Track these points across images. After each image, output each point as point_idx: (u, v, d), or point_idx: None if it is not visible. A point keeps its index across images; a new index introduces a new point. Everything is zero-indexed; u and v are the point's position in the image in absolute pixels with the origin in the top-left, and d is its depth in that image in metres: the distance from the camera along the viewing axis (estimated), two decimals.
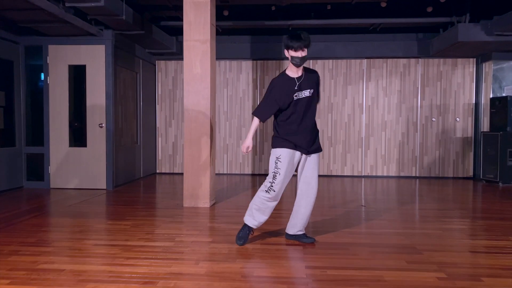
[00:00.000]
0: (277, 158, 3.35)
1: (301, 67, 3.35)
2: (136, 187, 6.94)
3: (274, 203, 3.43)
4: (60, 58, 6.51)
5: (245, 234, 3.47)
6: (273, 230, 4.00)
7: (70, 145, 6.59)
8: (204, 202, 5.13)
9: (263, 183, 3.43)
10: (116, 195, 6.03)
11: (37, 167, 6.67)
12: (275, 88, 3.36)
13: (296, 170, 3.50)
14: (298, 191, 3.50)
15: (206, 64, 5.09)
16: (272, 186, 3.34)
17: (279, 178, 3.33)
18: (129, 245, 3.45)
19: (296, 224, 3.53)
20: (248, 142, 3.44)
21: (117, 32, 6.58)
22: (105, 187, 6.54)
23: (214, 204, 5.31)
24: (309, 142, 3.39)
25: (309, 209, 3.49)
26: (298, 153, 3.40)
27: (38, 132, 6.65)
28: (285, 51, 3.33)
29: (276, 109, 3.37)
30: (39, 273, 2.80)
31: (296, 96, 3.33)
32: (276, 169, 3.34)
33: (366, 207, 5.21)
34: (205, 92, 5.10)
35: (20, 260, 3.05)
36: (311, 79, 3.40)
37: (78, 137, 6.69)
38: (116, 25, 6.19)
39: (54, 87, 6.53)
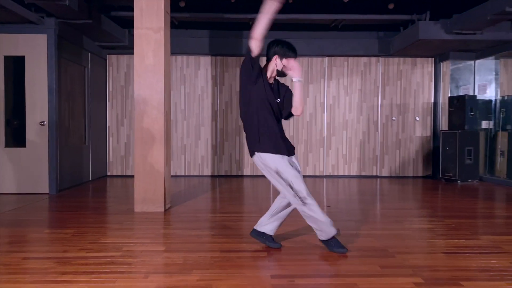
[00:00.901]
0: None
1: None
2: (83, 191, 6.34)
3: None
4: None
5: (337, 242, 3.09)
6: (233, 234, 3.65)
7: (7, 145, 5.91)
8: (158, 207, 4.68)
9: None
10: (59, 200, 5.44)
11: None
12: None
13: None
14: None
15: (160, 54, 4.66)
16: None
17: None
18: (67, 257, 2.97)
19: (272, 223, 3.22)
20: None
21: (61, 21, 5.98)
22: (47, 192, 5.91)
23: (169, 208, 4.88)
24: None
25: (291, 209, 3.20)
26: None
27: None
28: (277, 58, 3.06)
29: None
30: None
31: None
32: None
33: (330, 208, 4.97)
34: (158, 85, 4.66)
35: None
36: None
37: (16, 136, 6.01)
38: (59, 12, 5.61)
39: None
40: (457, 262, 2.92)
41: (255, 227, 3.28)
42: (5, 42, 5.83)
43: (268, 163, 2.96)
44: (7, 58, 5.89)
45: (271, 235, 3.24)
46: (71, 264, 2.83)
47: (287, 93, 3.14)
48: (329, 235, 3.02)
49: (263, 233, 3.23)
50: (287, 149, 3.04)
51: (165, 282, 2.52)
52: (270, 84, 3.09)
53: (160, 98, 4.66)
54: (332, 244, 3.06)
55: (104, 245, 3.31)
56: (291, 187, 2.91)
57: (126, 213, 4.58)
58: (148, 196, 4.66)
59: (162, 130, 4.67)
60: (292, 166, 3.01)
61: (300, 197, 2.92)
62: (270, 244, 3.21)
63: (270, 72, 3.10)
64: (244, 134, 7.69)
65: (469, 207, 5.10)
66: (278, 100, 3.07)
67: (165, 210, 4.73)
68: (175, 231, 3.81)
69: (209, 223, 4.15)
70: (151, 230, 3.85)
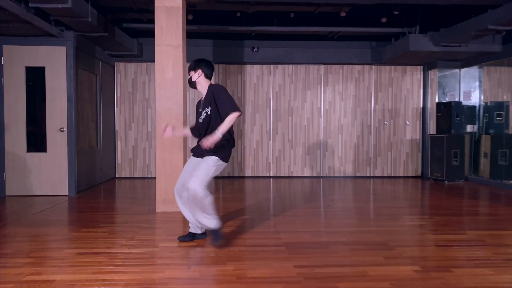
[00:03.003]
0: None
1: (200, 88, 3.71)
2: (99, 192, 6.76)
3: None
4: (17, 59, 6.19)
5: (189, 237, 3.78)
6: (251, 231, 4.14)
7: (28, 151, 6.29)
8: (177, 207, 5.12)
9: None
10: (80, 202, 5.86)
11: None
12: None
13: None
14: None
15: (179, 69, 5.12)
16: None
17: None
18: (114, 252, 3.43)
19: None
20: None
21: (79, 34, 6.38)
22: (66, 193, 6.31)
23: None
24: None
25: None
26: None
27: None
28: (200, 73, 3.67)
29: None
30: (29, 285, 2.72)
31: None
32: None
33: (332, 207, 5.49)
34: (177, 97, 5.12)
35: (3, 273, 2.94)
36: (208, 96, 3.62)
37: (37, 142, 6.39)
38: (79, 26, 6.01)
39: (9, 89, 6.20)
40: (448, 253, 3.46)
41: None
42: (27, 54, 6.20)
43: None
44: (29, 69, 6.26)
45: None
46: (120, 258, 3.28)
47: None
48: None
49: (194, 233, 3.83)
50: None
51: (207, 272, 3.00)
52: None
53: (179, 108, 5.12)
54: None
55: (141, 242, 3.77)
56: None
57: (148, 213, 5.03)
58: (168, 197, 5.12)
59: (181, 137, 5.12)
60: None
61: None
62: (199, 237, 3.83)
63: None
64: (244, 137, 8.11)
65: (456, 205, 5.68)
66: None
67: None
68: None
69: (226, 221, 4.62)
70: (177, 228, 4.31)
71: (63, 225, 4.46)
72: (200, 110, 3.65)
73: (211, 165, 3.50)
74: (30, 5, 5.02)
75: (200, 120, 3.62)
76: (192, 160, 3.68)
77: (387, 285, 2.75)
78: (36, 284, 2.73)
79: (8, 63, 6.18)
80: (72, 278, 2.85)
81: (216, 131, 3.41)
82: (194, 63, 3.67)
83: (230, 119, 3.41)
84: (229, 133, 3.55)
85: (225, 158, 3.58)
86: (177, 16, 5.09)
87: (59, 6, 4.96)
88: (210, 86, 3.63)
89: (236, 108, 3.44)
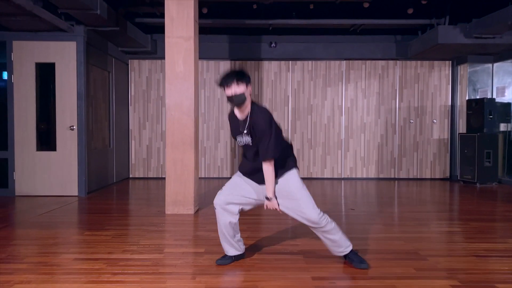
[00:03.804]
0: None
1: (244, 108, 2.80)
2: (110, 193, 6.53)
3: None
4: (26, 55, 6.02)
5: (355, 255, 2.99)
6: (264, 236, 3.78)
7: (38, 149, 6.10)
8: (188, 209, 4.83)
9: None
10: (90, 202, 5.62)
11: None
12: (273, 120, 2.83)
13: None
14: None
15: (190, 62, 4.81)
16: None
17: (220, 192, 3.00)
18: (114, 259, 3.13)
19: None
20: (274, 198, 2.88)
21: (90, 28, 6.17)
22: (76, 194, 6.09)
23: (197, 210, 5.03)
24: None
25: None
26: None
27: (0, 136, 6.12)
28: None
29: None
30: None
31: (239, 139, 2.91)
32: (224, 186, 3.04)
33: (355, 211, 5.08)
34: (188, 92, 4.82)
35: None
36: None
37: (46, 140, 6.20)
38: (89, 20, 5.80)
39: (19, 86, 6.03)
40: (490, 265, 3.02)
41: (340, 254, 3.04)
42: (37, 49, 6.02)
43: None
44: (38, 65, 6.08)
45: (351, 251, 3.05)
46: (120, 265, 2.98)
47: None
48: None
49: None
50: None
51: (213, 283, 2.66)
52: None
53: (190, 104, 4.82)
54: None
55: (145, 247, 3.46)
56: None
57: (158, 215, 4.74)
58: (178, 198, 4.82)
59: (192, 135, 4.82)
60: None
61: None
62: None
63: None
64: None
65: (492, 210, 5.18)
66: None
67: (195, 212, 4.88)
68: (210, 233, 3.94)
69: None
70: (186, 232, 4.00)
71: (66, 228, 4.21)
72: (240, 129, 2.87)
73: (298, 181, 2.91)
74: None
75: (240, 143, 2.92)
76: (249, 182, 2.99)
77: None
78: None
79: (18, 59, 6.01)
80: (64, 287, 2.56)
81: (268, 197, 2.85)
82: (243, 75, 2.77)
83: (268, 173, 2.79)
84: (281, 146, 2.86)
85: (295, 162, 3.01)
86: (189, 6, 4.79)
87: None
88: (254, 109, 2.80)
89: (272, 155, 2.76)
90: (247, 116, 2.81)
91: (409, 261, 3.09)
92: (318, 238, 3.59)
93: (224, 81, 2.76)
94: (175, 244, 3.55)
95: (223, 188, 3.01)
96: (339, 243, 2.95)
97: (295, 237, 3.78)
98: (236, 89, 2.71)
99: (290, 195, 2.87)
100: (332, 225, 2.93)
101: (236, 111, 2.86)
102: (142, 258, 3.15)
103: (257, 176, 2.93)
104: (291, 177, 2.90)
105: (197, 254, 3.27)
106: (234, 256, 3.06)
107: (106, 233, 3.91)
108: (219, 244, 3.43)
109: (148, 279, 2.71)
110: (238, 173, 3.07)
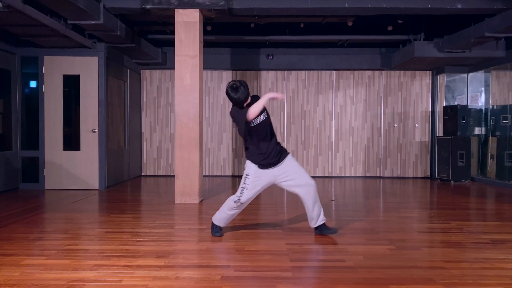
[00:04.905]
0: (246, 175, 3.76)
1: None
2: (126, 187, 7.49)
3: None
4: (55, 68, 7.02)
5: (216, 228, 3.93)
6: (255, 218, 4.70)
7: (64, 149, 7.09)
8: (194, 199, 5.77)
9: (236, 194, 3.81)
10: (109, 194, 6.58)
11: (32, 170, 7.12)
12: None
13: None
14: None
15: (195, 76, 5.76)
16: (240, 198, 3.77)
17: (245, 192, 3.73)
18: (137, 232, 4.07)
19: (311, 218, 3.91)
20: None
21: (109, 45, 7.15)
22: (97, 188, 7.06)
23: (201, 201, 5.96)
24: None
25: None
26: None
27: (33, 137, 7.11)
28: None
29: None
30: (68, 252, 3.39)
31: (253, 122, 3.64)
32: (244, 184, 3.76)
33: (335, 201, 5.99)
34: (194, 101, 5.77)
35: (47, 243, 3.62)
36: None
37: (72, 141, 7.18)
38: (109, 39, 6.77)
39: (49, 95, 7.02)
40: (424, 237, 3.93)
41: (314, 226, 3.91)
42: (64, 63, 7.02)
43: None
44: (65, 77, 7.07)
45: (323, 223, 3.91)
46: (141, 236, 3.92)
47: None
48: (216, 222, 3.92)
49: (316, 227, 3.93)
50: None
51: (212, 246, 3.59)
52: None
53: (196, 111, 5.77)
54: (213, 227, 3.92)
55: (160, 224, 4.40)
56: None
57: (168, 204, 5.68)
58: (186, 190, 5.76)
59: (197, 137, 5.76)
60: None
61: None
62: (325, 231, 3.90)
63: None
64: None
65: (454, 201, 6.06)
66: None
67: (199, 202, 5.81)
68: (210, 216, 4.82)
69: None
70: (192, 215, 4.93)
71: (94, 212, 5.17)
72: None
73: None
74: (68, 22, 5.79)
75: (256, 123, 3.67)
76: (268, 175, 3.77)
77: (361, 258, 3.26)
78: (74, 252, 3.40)
79: (48, 72, 7.01)
80: (102, 248, 3.50)
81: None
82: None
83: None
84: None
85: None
86: (194, 29, 5.75)
87: (92, 22, 5.71)
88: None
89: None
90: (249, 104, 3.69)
91: (363, 235, 4.00)
92: (296, 219, 4.50)
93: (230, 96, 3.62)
94: (183, 223, 4.49)
95: (246, 187, 3.74)
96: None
97: (279, 219, 4.69)
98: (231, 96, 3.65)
99: (294, 166, 3.96)
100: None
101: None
102: (158, 232, 4.08)
103: (278, 156, 3.77)
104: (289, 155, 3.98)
105: (200, 230, 4.20)
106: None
107: (128, 216, 4.85)
108: None
109: (163, 244, 3.64)
110: (255, 168, 3.73)
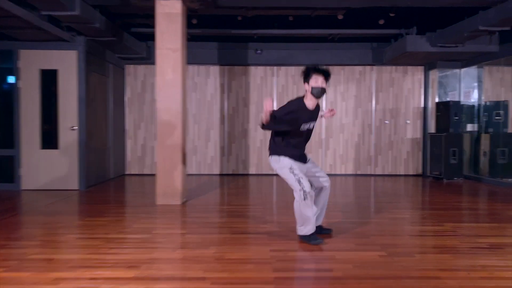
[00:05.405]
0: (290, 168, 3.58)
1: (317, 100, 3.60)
2: (108, 187, 7.18)
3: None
4: (32, 62, 6.67)
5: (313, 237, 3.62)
6: (240, 221, 4.44)
7: (42, 148, 6.75)
8: (176, 200, 5.49)
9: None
10: (89, 195, 6.27)
11: (6, 169, 6.77)
12: (293, 113, 3.48)
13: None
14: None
15: (178, 71, 5.47)
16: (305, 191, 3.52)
17: (303, 181, 3.52)
18: (111, 238, 3.79)
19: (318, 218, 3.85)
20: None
21: (89, 39, 6.81)
22: (77, 188, 6.74)
23: (185, 202, 5.68)
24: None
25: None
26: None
27: (7, 135, 6.76)
28: (305, 84, 3.57)
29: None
30: (30, 262, 3.10)
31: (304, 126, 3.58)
32: (296, 176, 3.55)
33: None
34: (176, 97, 5.47)
35: (10, 252, 3.33)
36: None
37: (50, 139, 6.85)
38: (89, 31, 6.44)
39: (25, 90, 6.67)
40: (417, 242, 3.70)
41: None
42: (41, 57, 6.67)
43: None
44: (42, 71, 6.73)
45: (320, 225, 3.87)
46: (115, 242, 3.64)
47: None
48: (307, 232, 3.60)
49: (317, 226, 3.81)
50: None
51: (189, 254, 3.32)
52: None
53: (178, 108, 5.47)
54: (308, 238, 3.59)
55: (137, 229, 4.12)
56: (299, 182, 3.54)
57: (149, 205, 5.39)
58: (168, 191, 5.47)
59: (180, 135, 5.48)
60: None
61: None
62: (322, 231, 3.83)
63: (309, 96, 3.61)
64: (248, 136, 8.51)
65: (446, 200, 5.85)
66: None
67: (182, 203, 5.54)
68: (192, 219, 4.61)
69: (219, 213, 4.95)
70: (172, 218, 4.66)
71: (70, 215, 4.86)
72: (311, 117, 3.63)
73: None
74: (42, 12, 5.46)
75: (303, 129, 3.61)
76: (304, 166, 3.72)
77: (350, 266, 3.01)
78: (37, 261, 3.11)
79: (24, 66, 6.66)
80: (68, 258, 3.21)
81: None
82: (330, 76, 3.64)
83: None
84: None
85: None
86: (176, 21, 5.44)
87: (68, 13, 5.38)
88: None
89: None
90: (316, 106, 3.63)
91: (353, 239, 3.76)
92: (284, 222, 4.25)
93: (319, 73, 3.48)
94: (162, 227, 4.22)
95: (300, 176, 3.54)
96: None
97: (264, 222, 4.44)
98: (324, 84, 3.53)
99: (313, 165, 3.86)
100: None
101: (308, 103, 3.58)
102: (134, 237, 3.81)
103: (304, 157, 3.74)
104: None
105: (179, 235, 3.93)
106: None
107: (104, 219, 4.56)
108: (198, 227, 4.10)
109: (137, 252, 3.37)
110: (292, 161, 3.60)
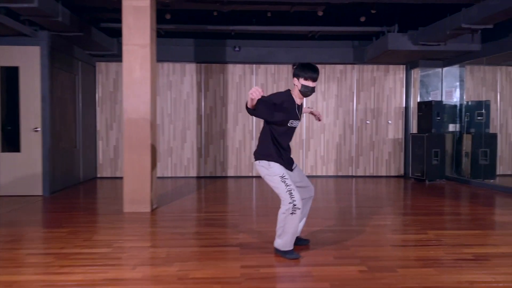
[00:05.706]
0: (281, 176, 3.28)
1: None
2: (75, 192, 6.75)
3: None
4: None
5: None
6: (213, 232, 4.12)
7: (2, 151, 6.29)
8: (145, 207, 5.13)
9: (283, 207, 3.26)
10: (53, 201, 5.85)
11: None
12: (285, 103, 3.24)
13: None
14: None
15: (146, 68, 5.10)
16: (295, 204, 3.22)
17: (294, 193, 3.23)
18: (64, 253, 3.42)
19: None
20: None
21: (54, 34, 6.37)
22: (41, 193, 6.31)
23: (156, 208, 5.33)
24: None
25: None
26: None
27: None
28: (295, 79, 3.29)
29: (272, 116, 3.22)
30: None
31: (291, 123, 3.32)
32: (286, 186, 3.25)
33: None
34: (145, 96, 5.11)
35: None
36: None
37: (11, 141, 6.39)
38: (52, 26, 6.01)
39: None
40: (399, 254, 3.44)
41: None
42: (1, 53, 6.20)
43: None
44: (2, 69, 6.26)
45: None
46: (69, 259, 3.27)
47: None
48: (285, 248, 3.30)
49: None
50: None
51: (150, 273, 2.98)
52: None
53: (147, 108, 5.11)
54: (284, 253, 3.31)
55: (96, 242, 3.76)
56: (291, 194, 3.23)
57: (115, 213, 5.02)
58: (136, 197, 5.11)
59: (148, 137, 5.11)
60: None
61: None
62: (300, 242, 3.59)
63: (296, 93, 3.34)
64: (227, 137, 8.17)
65: (428, 204, 5.64)
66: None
67: (152, 210, 5.18)
68: (160, 229, 4.27)
69: (191, 222, 4.61)
70: (138, 228, 4.30)
71: (26, 225, 4.45)
72: (297, 113, 3.35)
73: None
74: None
75: (291, 125, 3.35)
76: (292, 173, 3.44)
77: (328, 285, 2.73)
78: None
79: None
80: (12, 279, 2.84)
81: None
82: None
83: None
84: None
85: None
86: (145, 15, 5.07)
87: (25, 5, 4.96)
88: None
89: None
90: (302, 103, 3.43)
91: (332, 251, 3.48)
92: (261, 232, 3.95)
93: (314, 75, 3.27)
94: (125, 239, 3.86)
95: (292, 188, 3.22)
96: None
97: (238, 232, 4.13)
98: (315, 84, 3.31)
99: (300, 173, 3.55)
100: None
101: (296, 97, 3.34)
102: (90, 252, 3.44)
103: (291, 160, 3.47)
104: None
105: (142, 248, 3.58)
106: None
107: (62, 230, 4.17)
108: (165, 239, 3.77)
109: (91, 270, 3.01)
110: (283, 168, 3.33)
